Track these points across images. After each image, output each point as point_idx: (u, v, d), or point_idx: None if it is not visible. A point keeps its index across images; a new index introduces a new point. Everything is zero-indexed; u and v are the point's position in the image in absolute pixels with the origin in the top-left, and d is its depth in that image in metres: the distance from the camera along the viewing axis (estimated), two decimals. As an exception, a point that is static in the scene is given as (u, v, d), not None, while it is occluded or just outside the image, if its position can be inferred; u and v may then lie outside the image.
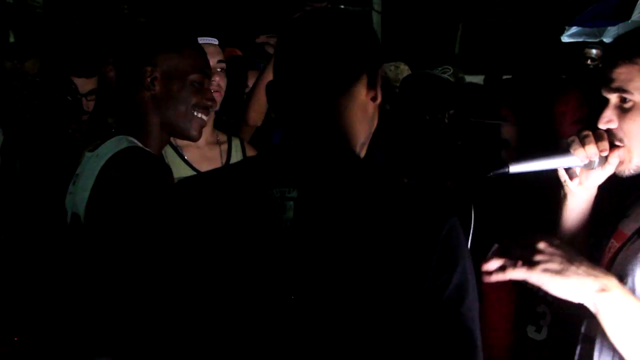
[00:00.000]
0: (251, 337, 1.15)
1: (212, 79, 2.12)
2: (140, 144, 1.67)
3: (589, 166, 1.45)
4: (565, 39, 4.93)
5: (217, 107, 2.27)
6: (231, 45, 3.73)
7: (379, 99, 1.24)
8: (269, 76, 2.25)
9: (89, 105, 3.05)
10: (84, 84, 3.00)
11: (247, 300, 1.15)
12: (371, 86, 1.22)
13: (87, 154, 1.75)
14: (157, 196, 1.49)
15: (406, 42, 6.80)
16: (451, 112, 2.68)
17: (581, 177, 1.49)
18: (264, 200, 1.16)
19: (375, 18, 7.40)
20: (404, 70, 3.52)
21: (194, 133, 1.75)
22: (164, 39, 1.72)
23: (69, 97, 2.69)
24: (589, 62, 5.07)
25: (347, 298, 1.13)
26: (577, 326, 1.50)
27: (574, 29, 4.87)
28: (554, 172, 1.52)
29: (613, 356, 1.38)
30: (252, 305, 1.15)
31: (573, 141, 1.44)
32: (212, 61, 2.13)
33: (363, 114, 1.23)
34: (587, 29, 4.85)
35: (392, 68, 3.47)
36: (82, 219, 1.64)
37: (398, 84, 3.25)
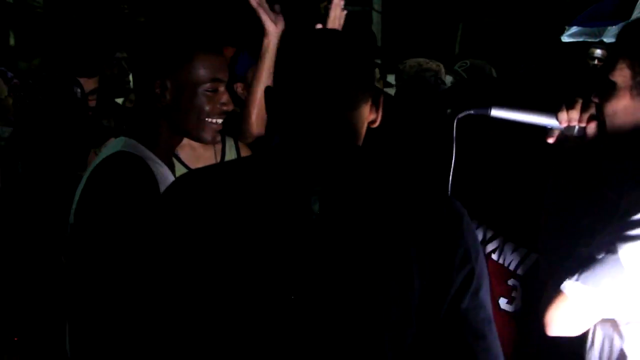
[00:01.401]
0: (274, 330, 1.17)
1: None
2: (140, 146, 1.66)
3: (567, 131, 1.51)
4: (565, 38, 4.94)
5: None
6: (230, 44, 3.72)
7: (377, 123, 1.33)
8: (266, 81, 2.24)
9: (89, 104, 3.05)
10: (85, 84, 3.00)
11: (278, 292, 1.17)
12: (375, 108, 1.31)
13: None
14: (136, 202, 1.51)
15: (406, 41, 6.81)
16: (448, 111, 2.69)
17: (557, 141, 1.55)
18: (289, 194, 1.20)
19: (376, 18, 7.40)
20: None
21: (208, 138, 1.75)
22: (175, 49, 1.71)
23: (78, 93, 2.70)
24: (595, 62, 5.07)
25: (379, 290, 1.17)
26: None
27: (574, 29, 4.88)
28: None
29: (604, 341, 1.41)
30: (284, 298, 1.17)
31: (560, 103, 1.51)
32: None
33: (362, 130, 1.31)
34: (588, 29, 4.85)
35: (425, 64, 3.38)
36: (72, 222, 1.65)
37: None
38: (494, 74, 3.40)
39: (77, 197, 1.65)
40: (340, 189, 1.21)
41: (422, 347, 1.21)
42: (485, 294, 1.25)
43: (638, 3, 4.16)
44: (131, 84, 4.12)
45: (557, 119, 1.53)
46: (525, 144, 1.79)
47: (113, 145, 1.68)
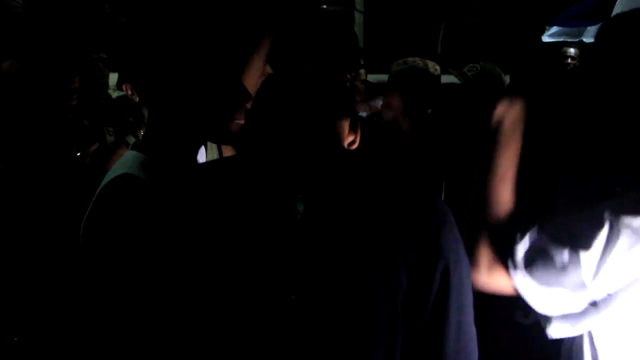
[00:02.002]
0: (265, 330, 1.19)
1: None
2: (149, 163, 1.55)
3: None
4: (545, 38, 4.97)
5: None
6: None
7: (357, 144, 1.38)
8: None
9: (69, 104, 3.03)
10: (65, 84, 2.98)
11: (264, 293, 1.19)
12: (353, 131, 1.36)
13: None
14: (129, 236, 1.46)
15: (388, 41, 6.82)
16: (429, 111, 2.70)
17: None
18: (273, 194, 1.21)
19: (358, 17, 7.41)
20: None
21: (231, 136, 1.62)
22: (169, 49, 1.62)
23: (50, 96, 2.68)
24: (569, 60, 5.14)
25: (366, 289, 1.19)
26: None
27: (554, 29, 4.91)
28: None
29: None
30: (272, 299, 1.19)
31: None
32: None
33: (342, 144, 1.36)
34: (567, 29, 4.88)
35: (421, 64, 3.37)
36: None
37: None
38: (503, 78, 3.39)
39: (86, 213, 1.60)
40: (324, 189, 1.22)
41: (406, 351, 1.23)
42: (467, 297, 1.27)
43: (617, 3, 4.19)
44: (108, 85, 4.10)
45: None
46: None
47: (121, 162, 1.59)
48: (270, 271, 1.18)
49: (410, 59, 3.16)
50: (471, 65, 3.30)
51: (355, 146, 1.37)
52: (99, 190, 1.56)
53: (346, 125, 1.33)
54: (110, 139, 3.23)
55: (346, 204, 1.22)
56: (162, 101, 1.55)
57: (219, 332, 1.19)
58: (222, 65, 1.57)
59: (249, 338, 1.18)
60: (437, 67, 3.11)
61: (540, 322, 1.76)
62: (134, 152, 1.60)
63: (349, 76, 3.04)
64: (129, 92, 2.73)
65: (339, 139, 1.31)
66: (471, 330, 1.28)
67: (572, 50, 5.06)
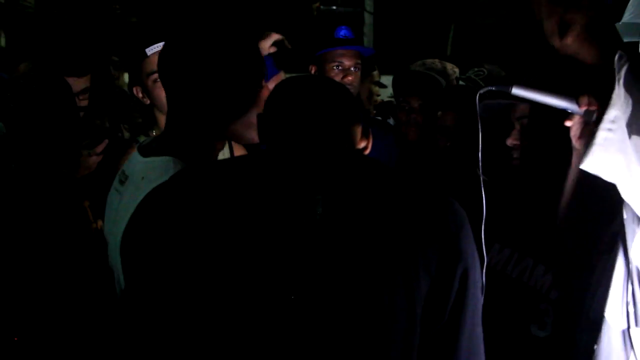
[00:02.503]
0: (280, 330, 1.19)
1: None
2: (184, 166, 1.57)
3: (586, 116, 1.50)
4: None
5: None
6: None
7: (369, 150, 1.39)
8: None
9: (81, 104, 3.04)
10: (76, 83, 2.99)
11: (283, 292, 1.19)
12: (365, 138, 1.37)
13: (137, 159, 1.67)
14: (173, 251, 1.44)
15: (398, 42, 6.83)
16: (439, 113, 2.67)
17: (575, 129, 1.54)
18: (291, 195, 1.22)
19: (367, 19, 7.42)
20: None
21: (256, 136, 1.63)
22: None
23: (62, 96, 2.68)
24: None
25: (386, 290, 1.19)
26: (582, 323, 1.53)
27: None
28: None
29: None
30: (287, 297, 1.19)
31: (581, 88, 1.50)
32: None
33: (354, 148, 1.36)
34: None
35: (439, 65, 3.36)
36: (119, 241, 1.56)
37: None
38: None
39: (121, 223, 1.56)
40: (342, 191, 1.23)
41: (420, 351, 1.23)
42: (479, 299, 1.28)
43: (629, 5, 4.17)
44: (120, 86, 4.11)
45: (577, 102, 1.51)
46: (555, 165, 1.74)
47: (161, 169, 1.57)
48: (290, 271, 1.18)
49: (429, 60, 3.14)
50: (477, 69, 3.28)
51: (367, 152, 1.38)
52: (143, 197, 1.53)
53: (358, 132, 1.33)
54: (126, 135, 3.23)
55: (364, 206, 1.22)
56: (198, 109, 1.59)
57: (236, 330, 1.19)
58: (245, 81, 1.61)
59: (267, 337, 1.18)
60: (456, 70, 3.09)
61: (555, 335, 1.75)
62: (171, 159, 1.60)
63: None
64: (140, 95, 2.74)
65: (353, 144, 1.32)
66: (481, 331, 1.29)
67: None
